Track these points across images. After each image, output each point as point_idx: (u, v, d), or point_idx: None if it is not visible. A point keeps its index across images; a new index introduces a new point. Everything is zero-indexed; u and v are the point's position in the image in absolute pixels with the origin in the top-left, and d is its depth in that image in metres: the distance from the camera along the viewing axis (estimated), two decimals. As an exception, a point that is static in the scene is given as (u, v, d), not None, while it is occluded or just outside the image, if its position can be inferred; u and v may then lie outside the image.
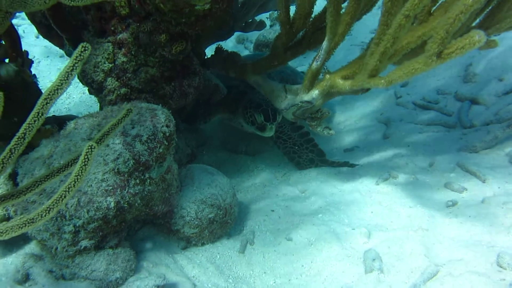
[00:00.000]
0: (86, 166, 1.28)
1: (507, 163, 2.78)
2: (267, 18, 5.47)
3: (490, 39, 2.13)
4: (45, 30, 2.50)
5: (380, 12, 1.82)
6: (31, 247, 1.97)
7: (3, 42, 1.99)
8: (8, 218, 1.90)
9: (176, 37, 2.23)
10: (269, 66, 2.77)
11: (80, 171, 1.27)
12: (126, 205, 1.93)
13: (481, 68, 3.94)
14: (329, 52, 2.26)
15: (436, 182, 2.78)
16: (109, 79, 2.32)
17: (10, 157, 1.33)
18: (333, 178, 3.10)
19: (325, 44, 2.20)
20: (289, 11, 2.41)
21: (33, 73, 2.18)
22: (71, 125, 2.01)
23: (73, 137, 1.95)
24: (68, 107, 4.26)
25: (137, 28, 2.18)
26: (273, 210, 2.74)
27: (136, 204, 1.98)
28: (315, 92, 2.43)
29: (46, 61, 5.06)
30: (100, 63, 2.28)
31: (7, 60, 2.03)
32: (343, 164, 3.21)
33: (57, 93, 1.29)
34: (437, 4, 1.89)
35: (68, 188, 1.28)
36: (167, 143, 2.02)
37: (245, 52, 5.41)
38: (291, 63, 3.86)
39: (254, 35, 5.44)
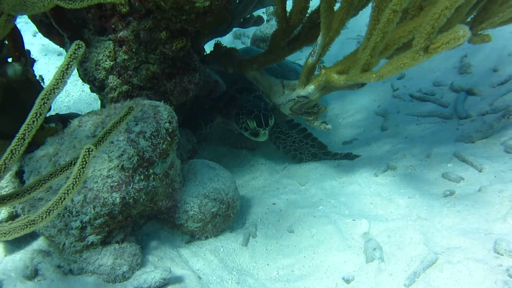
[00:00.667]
0: (85, 168, 1.28)
1: (503, 152, 2.83)
2: (263, 13, 5.49)
3: (484, 33, 2.17)
4: (46, 29, 2.52)
5: (371, 7, 1.86)
6: (39, 243, 2.00)
7: (6, 42, 2.01)
8: (16, 215, 1.94)
9: (176, 34, 2.25)
10: (267, 62, 2.80)
11: (78, 174, 1.28)
12: (131, 201, 1.97)
13: (476, 59, 3.99)
14: (324, 47, 2.29)
15: (433, 172, 2.83)
16: (110, 76, 2.34)
17: (11, 157, 1.34)
18: (333, 170, 3.15)
19: (319, 39, 2.23)
20: (285, 6, 2.44)
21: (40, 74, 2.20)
22: (75, 123, 2.04)
23: (77, 134, 1.98)
24: (68, 105, 4.28)
25: (138, 25, 2.20)
26: (274, 203, 2.79)
27: (141, 199, 2.02)
28: (311, 87, 2.47)
29: (44, 59, 5.06)
30: (101, 61, 2.30)
31: (10, 59, 2.05)
32: (346, 155, 3.23)
33: (54, 92, 1.28)
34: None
35: (67, 190, 1.29)
36: (170, 139, 2.06)
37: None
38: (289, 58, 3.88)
39: (251, 30, 5.46)
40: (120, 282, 1.99)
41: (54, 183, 1.86)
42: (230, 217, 2.49)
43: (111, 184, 1.91)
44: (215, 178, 2.44)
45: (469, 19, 2.20)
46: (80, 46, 1.28)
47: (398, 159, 3.07)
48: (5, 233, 1.41)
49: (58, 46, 4.53)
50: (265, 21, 5.57)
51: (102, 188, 1.89)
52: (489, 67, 3.83)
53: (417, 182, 2.79)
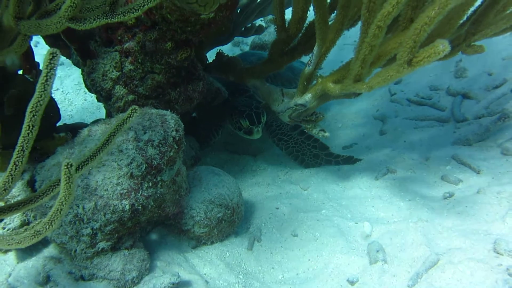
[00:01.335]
0: (70, 184, 1.28)
1: (500, 154, 2.90)
2: (261, 20, 5.57)
3: (477, 44, 2.25)
4: (52, 40, 2.57)
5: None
6: (50, 251, 2.04)
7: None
8: (28, 223, 1.98)
9: (181, 44, 2.32)
10: (267, 70, 2.87)
11: (64, 195, 1.29)
12: (140, 207, 2.02)
13: (471, 63, 4.07)
14: (320, 57, 2.35)
15: (433, 175, 2.90)
16: (117, 86, 2.40)
17: (16, 169, 1.38)
18: (334, 175, 3.21)
19: (315, 50, 2.30)
20: (284, 16, 2.50)
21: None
22: (84, 132, 2.10)
23: (87, 143, 2.03)
24: (71, 114, 4.32)
25: (143, 37, 2.26)
26: (277, 208, 2.84)
27: (150, 206, 2.07)
28: (308, 96, 2.54)
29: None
30: (108, 72, 2.36)
31: (20, 72, 2.10)
32: (348, 159, 3.29)
33: (41, 104, 1.30)
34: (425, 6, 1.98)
35: (61, 203, 1.33)
36: (177, 147, 2.11)
37: (241, 55, 5.50)
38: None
39: (249, 38, 5.53)
40: (129, 287, 2.03)
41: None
42: (235, 222, 2.54)
43: (121, 192, 1.96)
44: (220, 184, 2.49)
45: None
46: (54, 55, 1.26)
47: (397, 163, 3.14)
48: (18, 242, 1.46)
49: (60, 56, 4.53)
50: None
51: (112, 196, 1.94)
52: (484, 71, 3.91)
53: (417, 184, 2.85)
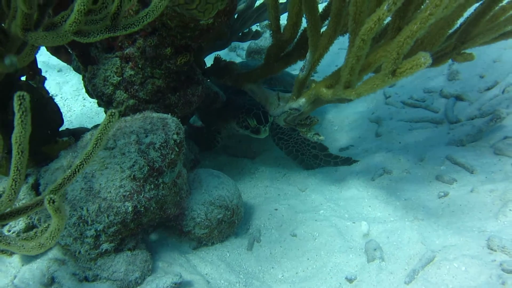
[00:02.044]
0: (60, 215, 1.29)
1: (493, 154, 2.97)
2: (257, 25, 5.64)
3: (467, 52, 2.33)
4: (54, 47, 2.63)
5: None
6: (54, 253, 2.08)
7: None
8: (33, 227, 2.02)
9: (181, 49, 2.37)
10: (263, 75, 2.92)
11: (57, 223, 1.30)
12: (142, 209, 2.06)
13: (464, 66, 4.15)
14: (313, 63, 2.41)
15: (427, 175, 2.96)
16: (118, 91, 2.45)
17: (16, 185, 1.39)
18: (331, 176, 3.26)
19: (308, 56, 2.36)
20: (279, 21, 2.55)
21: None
22: (87, 136, 2.14)
23: (90, 147, 2.07)
24: (70, 119, 4.36)
25: (144, 43, 2.32)
26: (276, 209, 2.89)
27: (152, 207, 2.11)
28: (302, 100, 2.59)
29: (45, 75, 5.16)
30: (109, 77, 2.41)
31: (23, 78, 2.15)
32: (346, 160, 3.35)
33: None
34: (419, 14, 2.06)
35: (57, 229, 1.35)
36: (178, 150, 2.16)
37: (237, 60, 5.57)
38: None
39: (246, 43, 5.60)
40: (133, 287, 2.07)
41: (69, 194, 1.96)
42: (234, 223, 2.59)
43: (124, 194, 2.00)
44: (219, 186, 2.54)
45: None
46: (22, 98, 1.23)
47: (393, 164, 3.20)
48: (27, 251, 1.50)
49: (57, 63, 4.61)
50: (259, 34, 5.72)
51: (115, 198, 1.99)
52: (476, 74, 3.99)
53: (412, 184, 2.91)
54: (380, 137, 3.72)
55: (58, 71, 5.20)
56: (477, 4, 2.23)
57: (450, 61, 4.25)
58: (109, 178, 1.99)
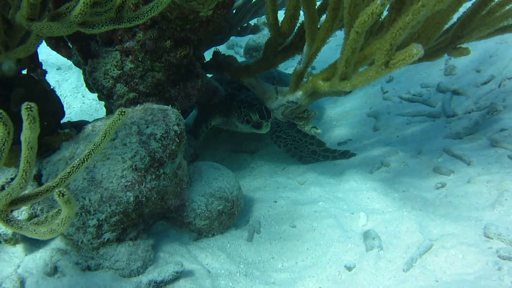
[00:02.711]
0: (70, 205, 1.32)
1: (489, 146, 3.00)
2: (255, 23, 5.67)
3: (463, 47, 2.36)
4: (54, 42, 2.65)
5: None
6: (56, 243, 2.10)
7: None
8: (35, 216, 2.04)
9: (180, 42, 2.40)
10: (261, 69, 2.95)
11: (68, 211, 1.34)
12: (144, 199, 2.09)
13: (460, 61, 4.19)
14: (310, 56, 2.44)
15: (425, 167, 2.99)
16: (118, 85, 2.47)
17: (26, 175, 1.42)
18: (330, 169, 3.30)
19: (305, 49, 2.39)
20: (277, 15, 2.58)
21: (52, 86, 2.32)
22: (88, 128, 2.17)
23: (92, 138, 2.10)
24: (69, 116, 4.38)
25: (144, 36, 2.35)
26: (275, 201, 2.91)
27: (153, 198, 2.14)
28: (299, 93, 2.63)
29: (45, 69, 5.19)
30: (109, 70, 2.44)
31: (24, 71, 2.17)
32: (344, 153, 3.39)
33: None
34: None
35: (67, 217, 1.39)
36: (178, 141, 2.19)
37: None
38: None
39: (243, 40, 5.64)
40: (135, 276, 2.09)
41: (71, 184, 1.98)
42: (235, 215, 2.61)
43: (125, 184, 2.03)
44: (219, 178, 2.56)
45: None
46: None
47: (391, 156, 3.23)
48: (39, 235, 1.51)
49: (56, 61, 4.64)
50: (257, 31, 5.75)
51: (117, 188, 2.01)
52: (473, 68, 4.03)
53: (410, 176, 2.94)
54: (378, 131, 3.75)
55: (57, 69, 5.22)
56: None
57: (446, 56, 4.31)
58: (110, 168, 2.01)
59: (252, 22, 3.37)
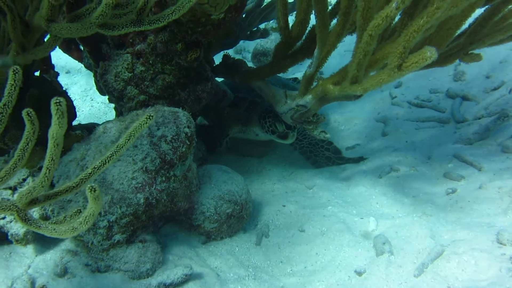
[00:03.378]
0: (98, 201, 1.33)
1: (500, 152, 2.98)
2: (264, 27, 5.69)
3: (474, 52, 2.35)
4: (66, 45, 2.67)
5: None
6: (66, 244, 2.11)
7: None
8: (46, 217, 2.05)
9: (191, 45, 2.41)
10: (271, 73, 2.95)
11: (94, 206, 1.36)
12: (154, 201, 2.09)
13: (470, 67, 4.17)
14: (321, 60, 2.43)
15: (435, 172, 2.97)
16: (128, 87, 2.48)
17: (49, 173, 1.40)
18: (338, 174, 3.28)
19: (316, 52, 2.38)
20: (287, 19, 2.58)
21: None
22: (100, 129, 2.18)
23: (103, 140, 2.11)
24: (78, 119, 4.39)
25: (155, 39, 2.36)
26: (284, 206, 2.90)
27: (163, 200, 2.14)
28: (309, 97, 2.62)
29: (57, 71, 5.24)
30: (120, 73, 2.45)
31: (37, 73, 2.19)
32: (358, 159, 3.40)
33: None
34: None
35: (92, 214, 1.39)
36: (189, 143, 2.19)
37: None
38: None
39: (251, 45, 5.66)
40: (144, 278, 2.08)
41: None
42: (243, 218, 2.60)
43: (136, 185, 2.03)
44: (229, 181, 2.56)
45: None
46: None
47: (400, 161, 3.21)
48: (59, 234, 1.51)
49: (65, 65, 4.67)
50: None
51: (128, 189, 2.01)
52: (482, 74, 4.01)
53: (420, 182, 2.92)
54: (386, 136, 3.73)
55: (66, 73, 5.26)
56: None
57: (456, 61, 4.29)
58: (121, 169, 2.02)
59: (261, 27, 3.37)
